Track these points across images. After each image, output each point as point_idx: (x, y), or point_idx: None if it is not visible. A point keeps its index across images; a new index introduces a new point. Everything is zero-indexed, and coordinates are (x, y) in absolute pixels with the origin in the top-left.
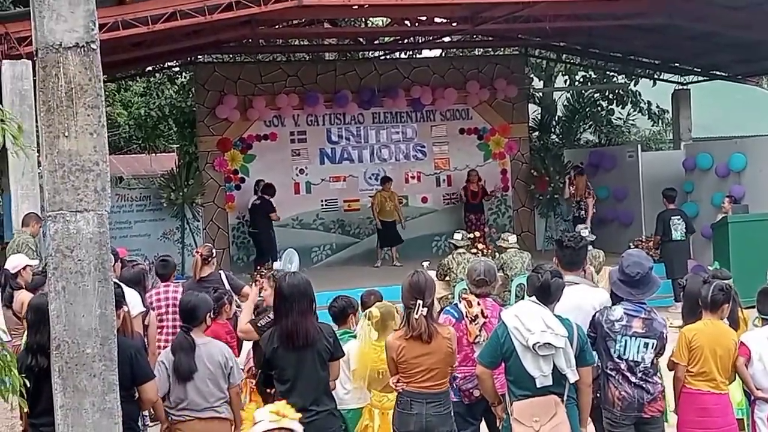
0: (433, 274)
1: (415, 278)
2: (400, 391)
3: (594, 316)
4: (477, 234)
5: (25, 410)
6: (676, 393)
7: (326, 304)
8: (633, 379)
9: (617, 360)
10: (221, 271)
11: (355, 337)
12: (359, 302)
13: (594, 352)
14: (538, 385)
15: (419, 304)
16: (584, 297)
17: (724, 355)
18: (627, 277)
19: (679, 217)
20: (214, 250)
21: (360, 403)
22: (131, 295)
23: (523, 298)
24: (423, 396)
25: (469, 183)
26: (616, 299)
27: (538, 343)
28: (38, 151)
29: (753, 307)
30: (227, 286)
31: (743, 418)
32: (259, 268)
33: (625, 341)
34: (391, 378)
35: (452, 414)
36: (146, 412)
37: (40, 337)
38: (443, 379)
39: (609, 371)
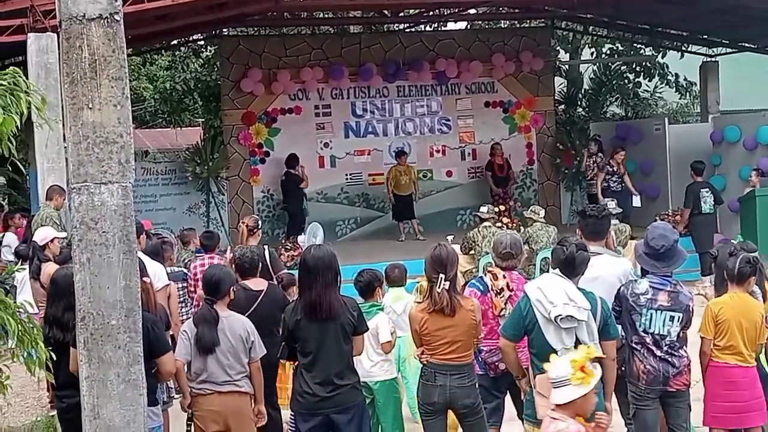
0: (457, 248)
1: (438, 251)
2: (425, 362)
3: (619, 289)
4: (502, 207)
5: (52, 382)
6: (702, 367)
7: (351, 278)
8: (658, 352)
9: (642, 334)
10: (266, 247)
11: (382, 309)
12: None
13: (618, 326)
14: None
15: (441, 278)
16: (607, 267)
17: (750, 328)
18: (652, 250)
19: (707, 189)
20: (259, 222)
21: (387, 375)
22: (156, 267)
23: (548, 272)
24: (447, 368)
25: (493, 157)
26: (642, 273)
27: (560, 315)
28: (64, 125)
29: None
30: (267, 264)
31: None
32: (284, 242)
33: (651, 314)
34: (416, 350)
35: (476, 386)
36: (171, 384)
37: (55, 310)
38: (467, 351)
39: (634, 345)
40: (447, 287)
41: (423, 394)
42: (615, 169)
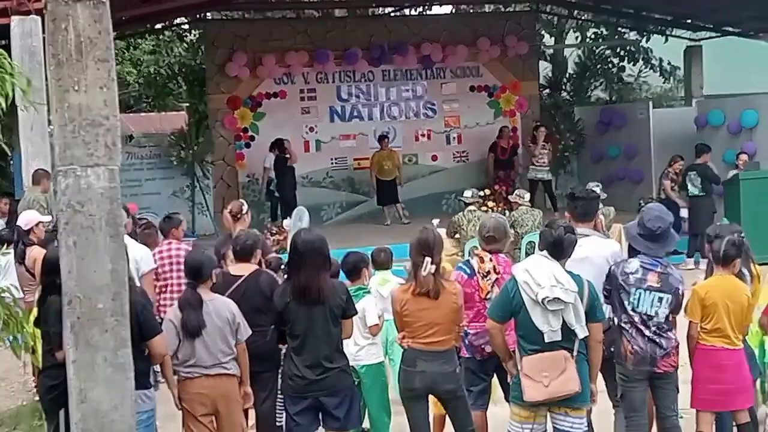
0: (442, 232)
1: (424, 235)
2: (406, 347)
3: (610, 268)
4: (488, 192)
5: (38, 366)
6: (690, 350)
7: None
8: (647, 332)
9: (631, 312)
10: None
11: (369, 292)
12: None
13: (607, 306)
14: (547, 340)
15: (427, 261)
16: (595, 248)
17: (737, 310)
18: (648, 231)
19: (695, 172)
20: (245, 207)
21: (374, 359)
22: (142, 251)
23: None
24: (427, 354)
25: (499, 139)
26: (633, 253)
27: (547, 297)
28: (48, 108)
29: (763, 264)
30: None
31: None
32: (269, 226)
33: (639, 294)
34: (397, 335)
35: (458, 371)
36: (157, 369)
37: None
38: (448, 335)
39: (623, 324)
40: (432, 271)
41: (403, 380)
42: (673, 177)
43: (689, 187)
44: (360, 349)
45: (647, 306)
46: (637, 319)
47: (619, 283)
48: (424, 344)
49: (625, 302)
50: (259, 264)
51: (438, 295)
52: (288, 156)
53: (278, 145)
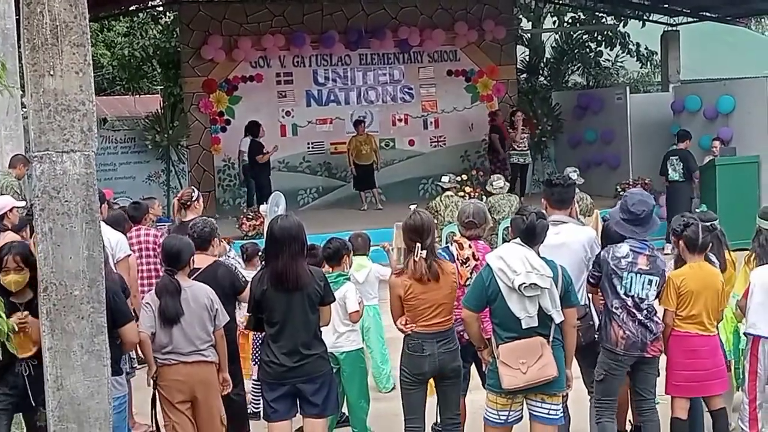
0: None
1: (413, 220)
2: (410, 332)
3: (599, 254)
4: (464, 177)
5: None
6: (665, 337)
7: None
8: (639, 316)
9: (624, 297)
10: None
11: (349, 279)
12: None
13: (579, 293)
14: (524, 326)
15: (418, 247)
16: (572, 235)
17: (712, 296)
18: (632, 215)
19: (677, 157)
20: (195, 194)
21: (353, 345)
22: (117, 236)
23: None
24: (433, 335)
25: (494, 121)
26: (607, 241)
27: (524, 284)
28: (23, 92)
29: (740, 249)
30: None
31: (730, 360)
32: (246, 211)
33: (631, 278)
34: (396, 321)
35: (459, 349)
36: (134, 355)
37: None
38: (450, 315)
39: (614, 309)
40: (424, 256)
41: (411, 366)
42: None
43: (670, 171)
44: (340, 336)
45: (638, 289)
46: (630, 302)
47: (611, 268)
48: (428, 326)
49: (618, 286)
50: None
51: (438, 277)
52: (262, 144)
53: (252, 129)
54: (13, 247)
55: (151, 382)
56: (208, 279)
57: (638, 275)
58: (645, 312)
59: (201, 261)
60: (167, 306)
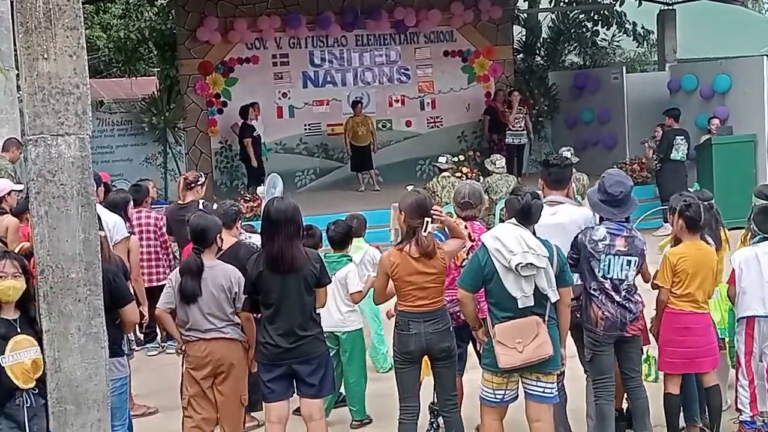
0: None
1: (416, 198)
2: (398, 311)
3: (576, 237)
4: (461, 157)
5: None
6: (658, 314)
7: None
8: (617, 297)
9: (602, 279)
10: (201, 201)
11: (351, 260)
12: None
13: (576, 274)
14: (520, 306)
15: (427, 222)
16: (569, 215)
17: (708, 275)
18: (610, 196)
19: (683, 137)
20: (202, 179)
21: (355, 325)
22: (114, 219)
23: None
24: (419, 315)
25: (495, 102)
26: (601, 220)
27: (520, 263)
28: (19, 75)
29: (736, 228)
30: None
31: (725, 338)
32: (243, 193)
33: (609, 260)
34: (377, 299)
35: (451, 329)
36: (132, 337)
37: None
38: (438, 296)
39: (592, 291)
40: (433, 231)
41: (399, 344)
42: None
43: (674, 152)
44: (341, 315)
45: (617, 270)
46: (608, 285)
47: (588, 251)
48: (414, 306)
49: (596, 269)
50: None
51: (432, 257)
52: (253, 126)
53: (241, 111)
54: (10, 253)
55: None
56: (229, 259)
57: (616, 257)
58: (624, 293)
59: (224, 241)
60: (186, 285)
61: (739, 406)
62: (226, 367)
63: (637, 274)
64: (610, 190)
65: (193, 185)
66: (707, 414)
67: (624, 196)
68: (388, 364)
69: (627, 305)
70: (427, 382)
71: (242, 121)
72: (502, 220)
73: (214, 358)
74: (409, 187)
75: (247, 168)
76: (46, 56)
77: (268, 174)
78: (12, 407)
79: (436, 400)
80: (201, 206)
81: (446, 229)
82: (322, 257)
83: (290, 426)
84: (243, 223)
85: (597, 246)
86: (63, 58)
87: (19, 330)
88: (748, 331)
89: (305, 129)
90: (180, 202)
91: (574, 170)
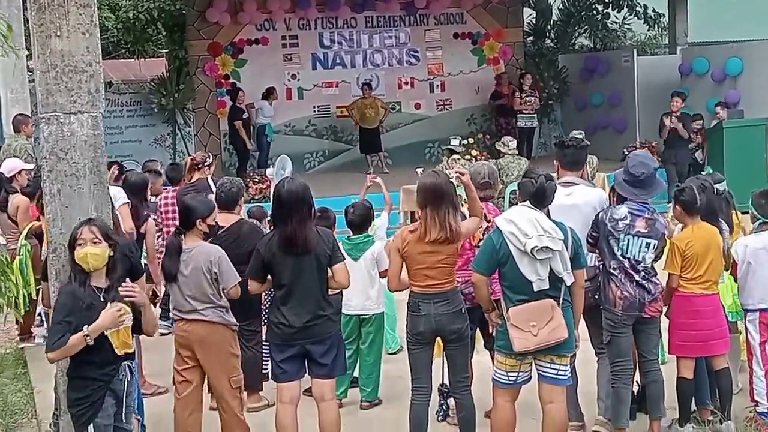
0: None
1: (437, 180)
2: (410, 293)
3: (597, 215)
4: (470, 140)
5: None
6: (666, 300)
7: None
8: (636, 277)
9: (621, 258)
10: (209, 177)
11: (373, 239)
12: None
13: (589, 255)
14: (535, 289)
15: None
16: (584, 196)
17: (716, 255)
18: (632, 177)
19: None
20: (209, 160)
21: (381, 308)
22: (113, 189)
23: (517, 205)
24: (430, 296)
25: (500, 86)
26: (620, 200)
27: (536, 247)
28: (28, 54)
29: (747, 213)
30: (213, 191)
31: (736, 321)
32: (252, 174)
33: (628, 240)
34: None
35: (463, 311)
36: None
37: None
38: (449, 277)
39: (611, 270)
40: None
41: (410, 325)
42: None
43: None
44: (368, 299)
45: (635, 251)
46: (627, 264)
47: (608, 229)
48: (423, 287)
49: (615, 248)
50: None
51: (451, 240)
52: (242, 108)
53: (231, 93)
54: (92, 219)
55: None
56: (232, 237)
57: (636, 237)
58: (642, 273)
59: (226, 219)
60: (164, 265)
61: (756, 397)
62: (204, 350)
63: (655, 259)
64: (632, 170)
65: (200, 166)
66: (718, 397)
67: (646, 177)
68: (396, 346)
69: (646, 285)
70: (436, 363)
71: (231, 103)
72: (511, 203)
73: (194, 339)
74: (419, 170)
75: (237, 151)
76: (58, 34)
77: (276, 156)
78: (116, 382)
79: (446, 382)
80: (210, 181)
81: (463, 209)
82: (346, 240)
83: (301, 406)
84: (253, 205)
85: (617, 225)
86: (76, 36)
87: (102, 299)
88: (762, 320)
89: (314, 111)
90: (187, 182)
91: None
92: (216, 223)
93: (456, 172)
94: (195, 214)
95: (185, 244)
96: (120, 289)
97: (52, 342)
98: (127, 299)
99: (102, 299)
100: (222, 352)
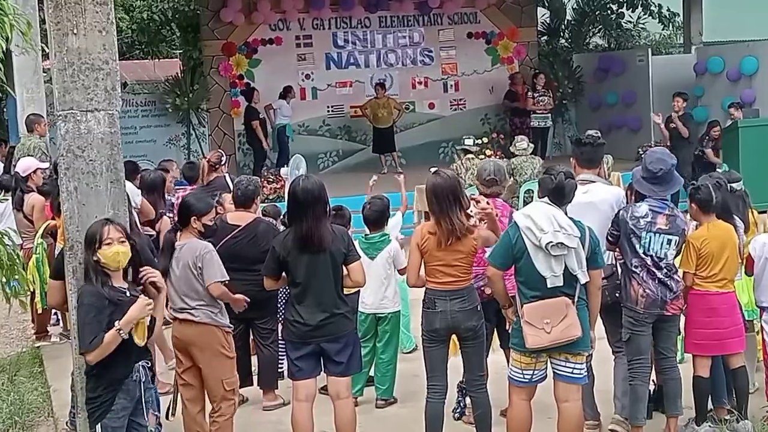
0: None
1: (449, 181)
2: (426, 290)
3: (618, 213)
4: (485, 140)
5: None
6: (684, 296)
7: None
8: (659, 274)
9: (643, 255)
10: (226, 174)
11: (389, 238)
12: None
13: (608, 253)
14: (549, 285)
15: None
16: (601, 194)
17: (732, 253)
18: (650, 173)
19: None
20: (224, 158)
21: (396, 307)
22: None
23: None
24: (446, 293)
25: (514, 86)
26: (639, 197)
27: (551, 242)
28: (43, 54)
29: (764, 211)
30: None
31: (753, 319)
32: (266, 174)
33: (650, 237)
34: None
35: (479, 308)
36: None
37: None
38: (465, 275)
39: (633, 268)
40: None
41: (425, 322)
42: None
43: None
44: (384, 297)
45: (656, 248)
46: (649, 261)
47: (630, 227)
48: (439, 284)
49: (636, 245)
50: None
51: (461, 239)
52: (257, 109)
53: (245, 93)
54: (110, 220)
55: None
56: (248, 235)
57: (657, 235)
58: (665, 270)
59: (242, 218)
60: (160, 262)
61: None
62: (197, 351)
63: (677, 255)
64: (650, 167)
65: (217, 165)
66: (734, 396)
67: (664, 173)
68: (411, 345)
69: (668, 283)
70: (455, 362)
71: (247, 104)
72: (526, 202)
73: (186, 341)
74: (432, 170)
75: (254, 150)
76: (75, 31)
77: (291, 156)
78: (129, 383)
79: (464, 380)
80: (227, 179)
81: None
82: (363, 239)
83: (317, 404)
84: (267, 204)
85: (638, 223)
86: (92, 34)
87: (129, 294)
88: None
89: (328, 111)
90: (207, 180)
91: None
92: (214, 223)
93: (480, 209)
94: (191, 211)
95: (178, 241)
96: (142, 271)
97: (88, 342)
98: (149, 281)
99: (129, 295)
100: (214, 354)
